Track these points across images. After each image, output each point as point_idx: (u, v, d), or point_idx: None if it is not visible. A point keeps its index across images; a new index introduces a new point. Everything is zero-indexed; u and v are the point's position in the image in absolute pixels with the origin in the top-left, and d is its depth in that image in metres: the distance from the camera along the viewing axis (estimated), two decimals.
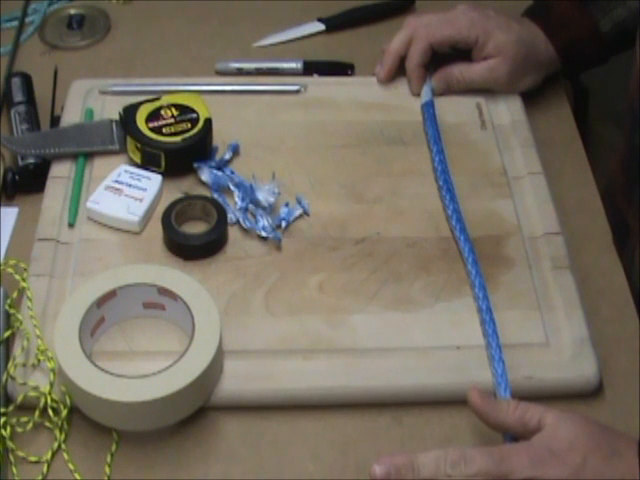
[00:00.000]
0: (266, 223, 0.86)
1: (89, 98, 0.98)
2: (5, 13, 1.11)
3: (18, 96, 0.97)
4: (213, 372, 0.74)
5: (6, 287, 0.80)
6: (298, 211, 0.88)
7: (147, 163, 0.90)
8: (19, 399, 0.73)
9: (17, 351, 0.75)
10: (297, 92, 1.00)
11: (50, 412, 0.72)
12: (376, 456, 0.67)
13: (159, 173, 0.89)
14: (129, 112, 0.90)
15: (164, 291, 0.77)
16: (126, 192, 0.87)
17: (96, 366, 0.71)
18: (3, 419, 0.72)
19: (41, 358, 0.75)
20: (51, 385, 0.73)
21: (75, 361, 0.71)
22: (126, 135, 0.90)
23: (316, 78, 1.03)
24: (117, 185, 0.88)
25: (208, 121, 0.90)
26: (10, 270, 0.81)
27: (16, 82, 0.99)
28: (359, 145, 0.95)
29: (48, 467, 0.72)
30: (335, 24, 1.11)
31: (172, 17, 1.12)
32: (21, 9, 1.11)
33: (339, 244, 0.86)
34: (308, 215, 0.88)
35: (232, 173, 0.90)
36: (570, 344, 0.78)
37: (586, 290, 0.83)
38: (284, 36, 1.10)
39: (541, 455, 0.65)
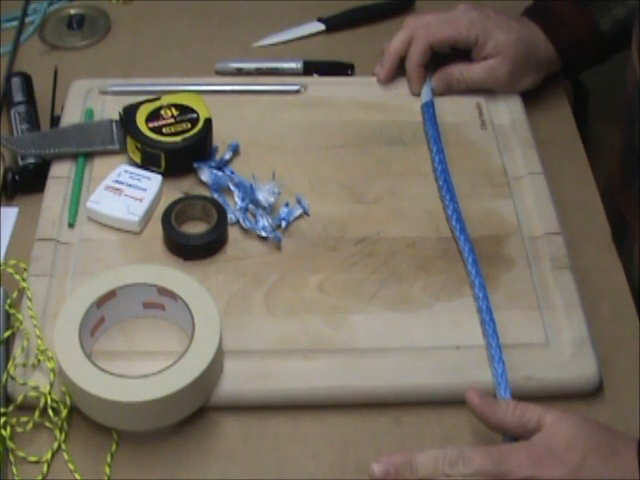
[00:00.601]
0: (266, 223, 0.86)
1: (89, 98, 0.98)
2: (5, 13, 1.11)
3: (18, 96, 0.98)
4: (213, 372, 0.74)
5: (6, 287, 0.80)
6: (298, 211, 0.88)
7: (147, 163, 0.90)
8: (19, 399, 0.73)
9: (17, 351, 0.75)
10: (297, 92, 1.00)
11: (50, 412, 0.72)
12: (376, 456, 0.67)
13: (159, 173, 0.89)
14: (129, 112, 0.90)
15: (164, 291, 0.77)
16: (126, 192, 0.87)
17: (96, 366, 0.71)
18: (3, 419, 0.72)
19: (41, 358, 0.75)
20: (51, 385, 0.73)
21: (75, 361, 0.71)
22: (126, 135, 0.90)
23: (316, 78, 1.03)
24: (117, 185, 0.88)
25: (208, 121, 0.90)
26: (10, 270, 0.81)
27: (16, 82, 0.99)
28: (359, 145, 0.95)
29: (48, 467, 0.72)
30: (335, 24, 1.11)
31: (172, 17, 1.12)
32: (21, 9, 1.11)
33: (339, 244, 0.86)
34: (308, 215, 0.88)
35: (232, 173, 0.90)
36: (570, 344, 0.78)
37: (586, 290, 0.83)
38: (284, 36, 1.10)
39: (540, 455, 0.65)
